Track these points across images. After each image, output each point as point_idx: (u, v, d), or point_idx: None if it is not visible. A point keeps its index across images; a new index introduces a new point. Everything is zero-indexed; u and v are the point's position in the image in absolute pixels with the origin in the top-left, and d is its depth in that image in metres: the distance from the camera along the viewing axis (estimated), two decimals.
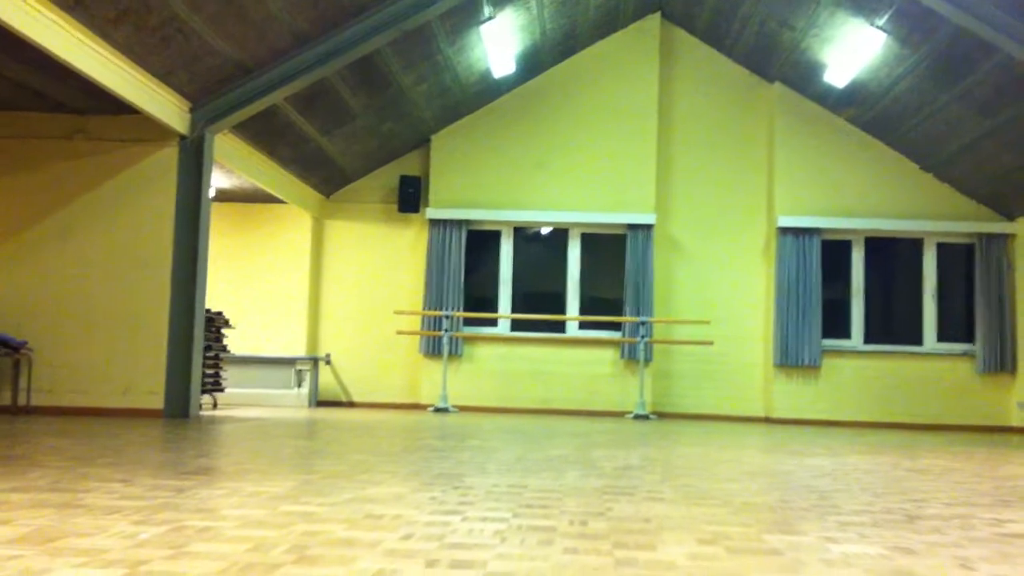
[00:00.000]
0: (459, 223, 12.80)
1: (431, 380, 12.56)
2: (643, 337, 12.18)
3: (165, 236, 9.13)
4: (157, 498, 3.21)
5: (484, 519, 2.92)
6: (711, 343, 12.37)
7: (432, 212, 12.81)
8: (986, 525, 3.08)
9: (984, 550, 2.59)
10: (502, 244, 13.11)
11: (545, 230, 13.27)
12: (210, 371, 10.21)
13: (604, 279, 13.07)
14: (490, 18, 10.52)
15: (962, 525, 3.07)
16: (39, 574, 2.02)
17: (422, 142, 13.09)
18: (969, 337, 12.52)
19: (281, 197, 11.95)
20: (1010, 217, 12.44)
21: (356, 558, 2.27)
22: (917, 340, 12.61)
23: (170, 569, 2.09)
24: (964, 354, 12.42)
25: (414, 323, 12.77)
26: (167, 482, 3.70)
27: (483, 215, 12.84)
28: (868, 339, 12.66)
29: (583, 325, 12.91)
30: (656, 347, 12.54)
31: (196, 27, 8.06)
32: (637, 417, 11.81)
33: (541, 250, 13.51)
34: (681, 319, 12.61)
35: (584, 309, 12.98)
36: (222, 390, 10.69)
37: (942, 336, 12.62)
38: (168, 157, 9.26)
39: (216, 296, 12.11)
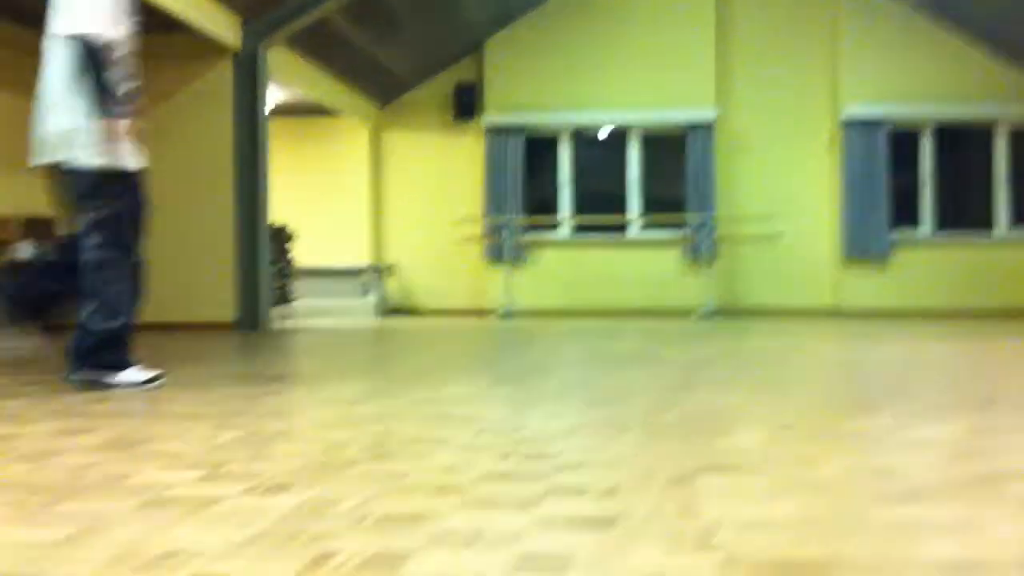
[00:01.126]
0: (516, 129, 12.67)
1: (496, 285, 12.59)
2: (707, 235, 12.04)
3: (225, 153, 9.17)
4: (233, 404, 3.27)
5: (554, 415, 2.93)
6: (778, 235, 12.19)
7: (488, 119, 12.68)
8: None
9: None
10: (560, 148, 12.97)
11: (604, 133, 13.08)
12: (279, 283, 10.35)
13: (666, 179, 12.88)
14: None
15: None
16: (122, 478, 2.07)
17: (476, 47, 12.90)
18: None
19: (337, 109, 11.92)
20: None
21: (430, 453, 2.29)
22: (989, 226, 12.30)
23: (248, 470, 2.13)
24: None
25: (476, 230, 12.77)
26: (242, 390, 3.77)
27: (540, 119, 12.68)
28: (938, 228, 12.37)
29: (646, 226, 12.79)
30: (721, 245, 12.40)
31: None
32: (704, 315, 11.76)
33: (600, 152, 13.34)
34: (744, 215, 12.43)
35: (646, 209, 12.85)
36: (291, 301, 10.84)
37: (1015, 222, 12.29)
38: (223, 74, 9.23)
39: (279, 210, 12.20)
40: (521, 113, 12.67)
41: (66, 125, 3.69)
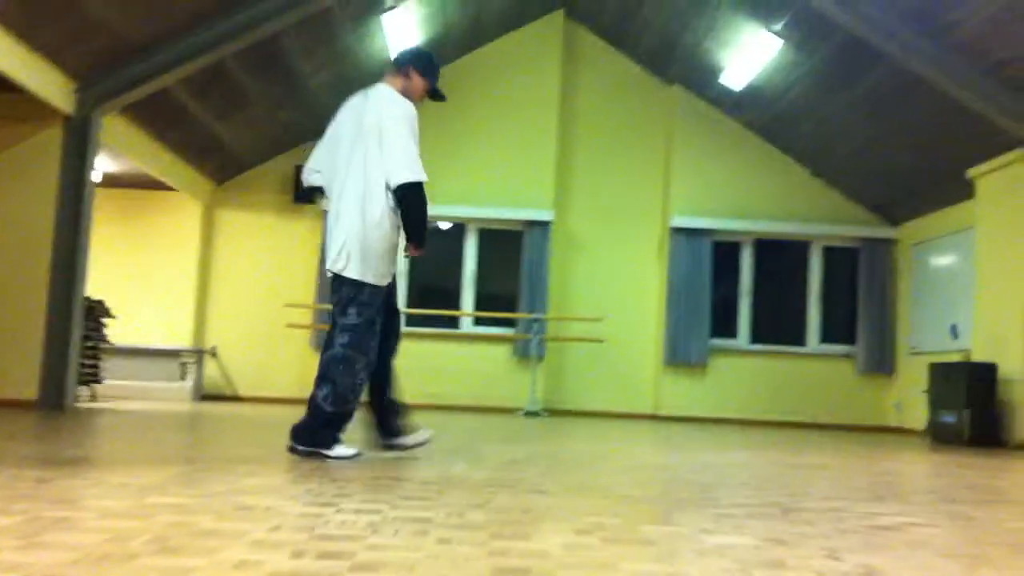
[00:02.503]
0: None
1: None
2: (536, 334, 12.22)
3: (46, 220, 8.79)
4: (16, 488, 3.06)
5: (359, 511, 2.85)
6: (603, 340, 12.47)
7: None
8: (857, 518, 3.15)
9: (853, 541, 2.63)
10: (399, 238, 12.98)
11: (443, 225, 13.20)
12: (89, 361, 9.86)
13: (500, 275, 13.07)
14: (392, 7, 10.41)
15: (834, 518, 3.13)
16: None
17: (320, 131, 12.85)
18: (851, 339, 12.90)
19: (170, 184, 11.63)
20: (893, 223, 12.85)
21: (220, 548, 2.18)
22: (801, 341, 12.94)
23: (19, 560, 1.98)
24: (845, 355, 12.80)
25: (306, 316, 12.56)
26: (30, 472, 3.53)
27: None
28: (755, 339, 12.93)
29: (478, 321, 12.89)
30: (549, 344, 12.60)
31: (88, 1, 7.76)
32: (528, 414, 11.84)
33: (438, 245, 13.44)
34: (574, 316, 12.69)
35: (479, 305, 12.96)
36: (101, 381, 10.34)
37: (825, 337, 12.97)
38: (52, 138, 8.91)
39: (98, 285, 11.71)
40: None
41: (341, 241, 4.58)
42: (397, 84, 4.82)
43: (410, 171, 4.53)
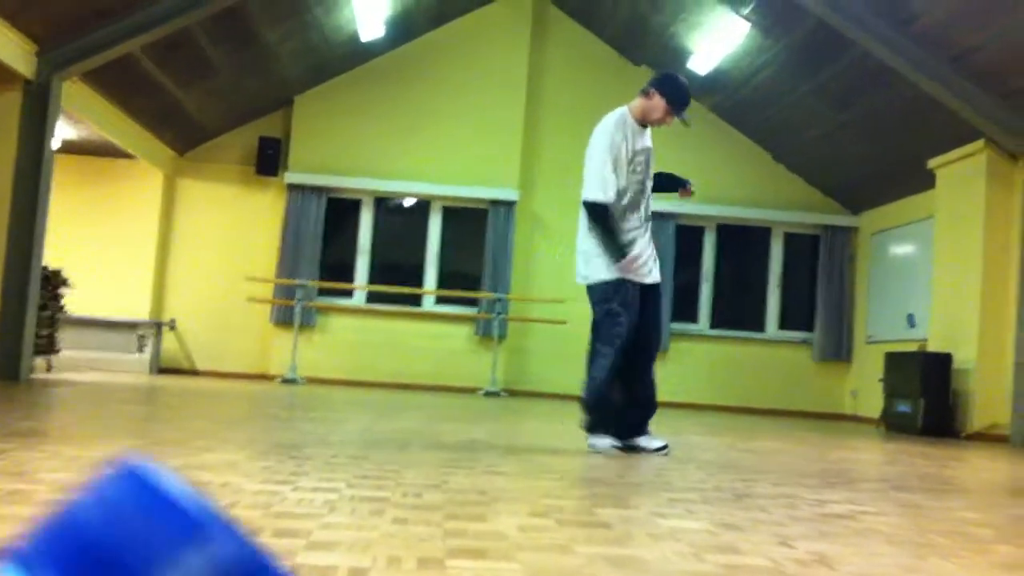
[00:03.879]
0: (318, 189, 12.56)
1: (281, 350, 12.29)
2: (499, 314, 12.22)
3: (3, 187, 8.62)
4: None
5: (316, 489, 2.85)
6: (565, 322, 12.49)
7: (291, 176, 12.53)
8: (809, 505, 3.19)
9: (804, 528, 2.67)
10: (362, 213, 12.93)
11: (407, 201, 13.15)
12: (45, 331, 9.74)
13: (464, 253, 13.05)
14: None
15: (787, 504, 3.17)
16: None
17: (285, 102, 12.76)
18: (809, 326, 13.03)
19: (132, 152, 11.48)
20: (854, 211, 12.98)
21: None
22: (760, 327, 13.05)
23: None
24: (803, 342, 12.93)
25: (267, 290, 12.48)
26: None
27: (344, 182, 12.62)
28: (715, 323, 13.03)
29: (440, 299, 12.87)
30: (511, 325, 12.60)
31: None
32: (488, 394, 11.87)
33: (402, 221, 13.40)
34: (537, 297, 12.70)
35: (442, 283, 12.93)
36: (57, 352, 10.22)
37: (784, 324, 13.10)
38: (11, 103, 8.72)
39: (56, 254, 11.53)
40: (325, 174, 12.57)
41: (584, 251, 5.02)
42: (636, 103, 5.17)
43: (591, 190, 4.96)
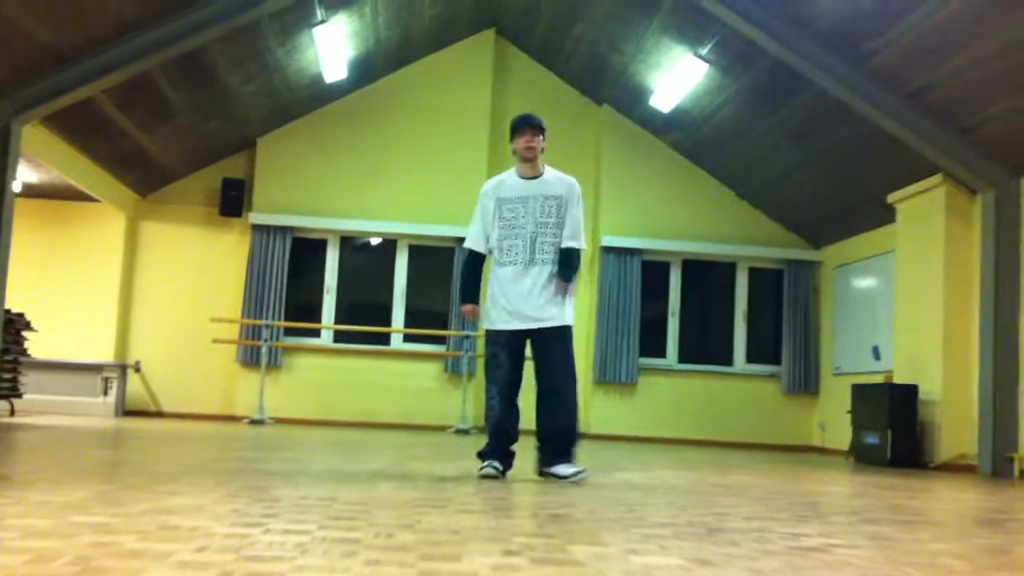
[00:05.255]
0: (283, 229, 12.52)
1: (248, 391, 12.19)
2: (467, 351, 12.20)
3: None
4: None
5: (287, 531, 2.82)
6: (530, 358, 12.47)
7: (255, 217, 12.49)
8: (781, 539, 3.19)
9: (777, 562, 2.67)
10: (328, 253, 12.90)
11: (373, 240, 13.13)
12: (8, 375, 9.60)
13: (431, 291, 13.04)
14: (323, 21, 10.36)
15: (759, 538, 3.17)
16: None
17: (248, 144, 12.75)
18: (776, 359, 13.11)
19: (93, 195, 11.41)
20: (816, 245, 13.12)
21: (144, 570, 2.14)
22: (728, 360, 13.12)
23: None
24: (771, 375, 13.00)
25: (232, 331, 12.38)
26: None
27: (309, 222, 12.60)
28: (682, 358, 13.08)
29: (408, 338, 12.83)
30: (480, 361, 12.58)
31: (6, 8, 7.58)
32: (459, 431, 11.81)
33: (368, 260, 13.37)
34: None
35: (410, 321, 12.90)
36: (20, 396, 10.06)
37: (751, 357, 13.17)
38: None
39: (18, 297, 11.40)
40: (289, 215, 12.55)
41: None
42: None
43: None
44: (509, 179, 5.54)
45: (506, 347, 5.37)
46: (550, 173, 5.52)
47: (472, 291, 5.60)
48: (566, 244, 5.34)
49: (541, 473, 5.29)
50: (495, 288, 5.43)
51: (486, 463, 5.26)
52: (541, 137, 5.47)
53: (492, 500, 4.01)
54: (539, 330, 5.33)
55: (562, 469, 5.20)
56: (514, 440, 5.43)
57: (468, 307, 5.57)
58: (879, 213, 11.00)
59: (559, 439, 5.28)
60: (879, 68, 8.96)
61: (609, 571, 2.40)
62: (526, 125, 5.46)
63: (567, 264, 5.31)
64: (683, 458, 8.84)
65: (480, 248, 5.54)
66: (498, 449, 5.36)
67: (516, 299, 5.32)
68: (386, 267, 13.00)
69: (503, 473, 5.28)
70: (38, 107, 8.83)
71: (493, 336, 5.43)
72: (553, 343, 5.33)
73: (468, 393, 12.23)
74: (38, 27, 8.06)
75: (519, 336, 5.39)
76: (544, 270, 5.31)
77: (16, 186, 9.04)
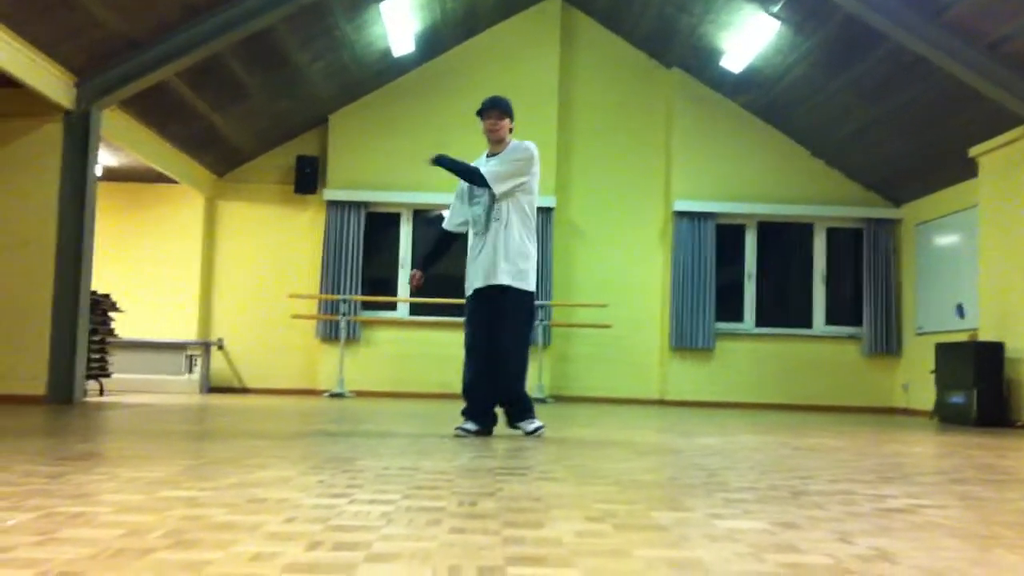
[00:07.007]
0: (357, 205, 12.65)
1: (328, 365, 12.39)
2: (542, 320, 12.22)
3: (49, 215, 8.78)
4: (30, 484, 3.07)
5: (372, 501, 2.86)
6: (609, 326, 12.47)
7: (329, 193, 12.63)
8: (867, 500, 3.15)
9: (864, 524, 2.64)
10: (401, 226, 13.00)
11: (445, 213, 13.18)
12: (96, 355, 9.89)
13: None
14: None
15: (844, 500, 3.13)
16: None
17: (320, 121, 12.88)
18: (857, 320, 12.89)
19: (172, 176, 11.64)
20: (896, 203, 12.83)
21: (235, 542, 2.19)
22: (807, 323, 12.94)
23: (36, 556, 1.99)
24: (851, 337, 12.79)
25: (310, 307, 12.58)
26: (42, 468, 3.55)
27: (382, 197, 12.70)
28: (760, 322, 12.93)
29: None
30: (555, 330, 12.60)
31: None
32: (535, 400, 11.84)
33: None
34: (579, 302, 12.69)
35: None
36: (109, 375, 10.37)
37: (831, 319, 12.97)
38: (52, 133, 8.90)
39: (104, 279, 11.72)
40: (363, 190, 12.66)
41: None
42: None
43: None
44: (480, 158, 6.02)
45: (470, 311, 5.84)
46: (512, 144, 5.88)
47: (425, 260, 6.31)
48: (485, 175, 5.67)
49: (514, 427, 5.90)
50: (468, 255, 5.90)
51: (469, 425, 5.75)
52: (507, 120, 5.81)
53: (571, 469, 4.02)
54: (490, 287, 5.67)
55: (526, 424, 5.79)
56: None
57: (414, 271, 6.20)
58: (960, 168, 10.71)
59: (508, 404, 5.90)
60: (955, 20, 8.69)
61: (693, 535, 2.40)
62: (492, 108, 5.77)
63: (457, 163, 5.92)
64: (762, 422, 8.76)
65: (449, 226, 6.19)
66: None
67: (476, 263, 5.80)
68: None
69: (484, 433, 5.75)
70: (115, 92, 9.04)
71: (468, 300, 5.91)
72: (494, 306, 5.68)
73: (543, 362, 12.26)
74: (110, 15, 8.23)
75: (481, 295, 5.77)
76: (498, 227, 5.75)
77: (98, 170, 9.27)
